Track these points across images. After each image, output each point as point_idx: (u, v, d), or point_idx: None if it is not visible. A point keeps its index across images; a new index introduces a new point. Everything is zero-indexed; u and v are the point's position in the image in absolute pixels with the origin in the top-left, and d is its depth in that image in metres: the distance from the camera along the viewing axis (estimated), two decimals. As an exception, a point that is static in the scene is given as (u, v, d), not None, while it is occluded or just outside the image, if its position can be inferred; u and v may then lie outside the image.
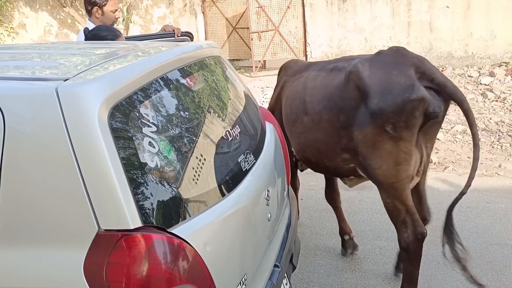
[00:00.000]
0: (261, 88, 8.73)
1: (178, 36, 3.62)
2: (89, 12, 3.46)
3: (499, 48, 7.97)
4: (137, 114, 1.46)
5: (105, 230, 1.28)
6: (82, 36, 3.22)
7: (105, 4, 3.47)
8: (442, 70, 8.17)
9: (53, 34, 10.78)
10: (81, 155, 1.29)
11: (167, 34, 3.67)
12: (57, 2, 10.35)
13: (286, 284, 2.30)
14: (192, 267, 1.37)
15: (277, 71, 10.87)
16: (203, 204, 1.55)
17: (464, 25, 8.13)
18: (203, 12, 10.92)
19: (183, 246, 1.36)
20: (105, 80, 1.43)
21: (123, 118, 1.40)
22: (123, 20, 10.43)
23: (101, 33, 2.99)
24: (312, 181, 4.91)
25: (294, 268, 2.54)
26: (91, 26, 3.37)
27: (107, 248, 1.27)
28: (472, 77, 7.64)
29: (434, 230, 3.65)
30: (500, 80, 7.27)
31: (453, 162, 5.07)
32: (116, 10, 3.61)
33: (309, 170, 5.32)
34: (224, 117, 1.98)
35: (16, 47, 2.58)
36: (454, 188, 4.45)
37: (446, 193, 4.34)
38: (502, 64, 7.86)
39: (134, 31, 10.35)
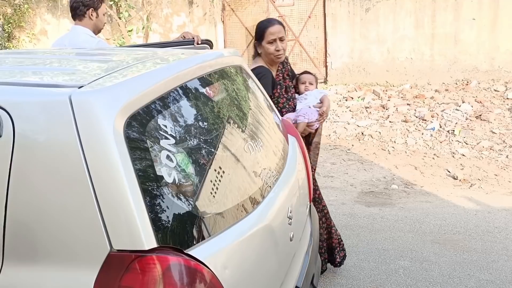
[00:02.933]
0: (280, 98, 8.64)
1: (198, 44, 3.54)
2: (80, 16, 3.27)
3: (526, 62, 7.74)
4: (155, 125, 1.36)
5: (118, 250, 1.18)
6: (80, 40, 3.10)
7: (99, 7, 3.36)
8: (467, 84, 7.97)
9: (75, 40, 10.87)
10: (94, 168, 1.19)
11: (187, 41, 3.59)
12: (79, 9, 10.44)
13: (306, 306, 2.17)
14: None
15: (297, 82, 10.57)
16: (222, 223, 1.44)
17: (491, 38, 7.92)
18: (222, 21, 10.91)
19: (200, 269, 1.25)
20: (122, 88, 1.34)
21: (140, 129, 1.30)
22: (143, 28, 10.48)
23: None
24: (332, 196, 4.78)
25: (314, 288, 2.41)
26: (84, 30, 3.22)
27: (119, 270, 1.17)
28: (498, 91, 7.42)
29: (460, 250, 3.48)
30: (528, 95, 7.03)
31: (479, 179, 4.88)
32: (104, 14, 3.51)
33: (327, 184, 5.21)
34: (245, 130, 1.88)
35: (35, 52, 2.53)
36: (481, 207, 4.26)
37: (472, 212, 4.16)
38: (530, 78, 7.63)
39: (154, 39, 10.39)
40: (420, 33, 8.41)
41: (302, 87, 3.08)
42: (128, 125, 1.26)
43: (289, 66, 3.06)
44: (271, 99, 2.62)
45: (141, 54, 2.01)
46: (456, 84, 8.07)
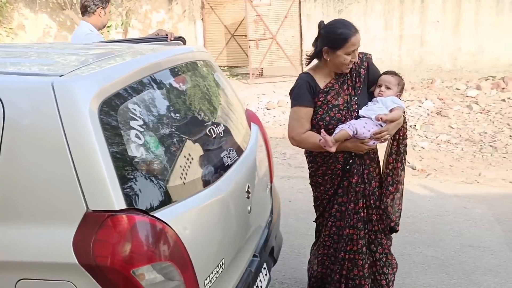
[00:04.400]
0: (257, 95, 8.90)
1: (171, 40, 3.78)
2: (90, 13, 3.60)
3: (486, 62, 8.19)
4: (126, 108, 1.61)
5: (93, 210, 1.43)
6: (83, 34, 3.39)
7: (107, 6, 3.67)
8: (432, 83, 8.38)
9: (52, 36, 10.95)
10: (73, 143, 1.44)
11: (161, 38, 3.83)
12: (57, 5, 10.52)
13: (266, 275, 2.44)
14: (171, 247, 1.51)
15: (273, 79, 11.07)
16: (184, 192, 1.69)
17: (454, 40, 8.35)
18: (202, 19, 11.13)
19: (163, 228, 1.50)
20: (97, 77, 1.59)
21: (112, 111, 1.55)
22: (122, 24, 10.62)
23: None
24: (301, 185, 5.07)
25: (274, 261, 2.68)
26: (88, 25, 3.55)
27: (95, 227, 1.42)
28: (459, 89, 7.85)
29: (411, 231, 3.82)
30: (486, 93, 7.48)
31: (435, 169, 5.25)
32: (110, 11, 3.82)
33: (298, 174, 5.51)
34: (210, 115, 2.14)
35: (16, 46, 2.74)
36: (434, 193, 4.63)
37: (426, 198, 4.51)
38: (489, 78, 8.08)
39: (132, 35, 10.54)
40: (389, 34, 8.79)
41: (376, 91, 2.49)
42: (102, 107, 1.51)
43: (362, 69, 2.49)
44: (314, 109, 2.44)
45: (117, 48, 2.25)
46: (422, 82, 8.48)
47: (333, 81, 2.48)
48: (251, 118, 2.74)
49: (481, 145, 5.91)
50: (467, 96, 7.48)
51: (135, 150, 1.56)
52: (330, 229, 2.63)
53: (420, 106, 7.09)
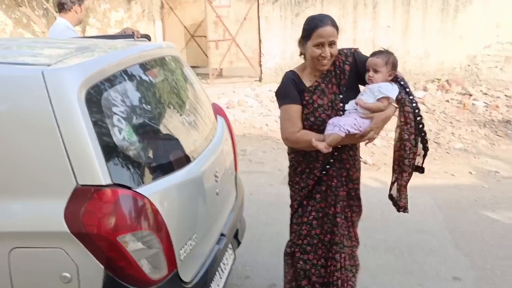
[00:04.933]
0: (217, 95, 9.09)
1: (137, 38, 3.94)
2: (66, 9, 3.72)
3: (432, 66, 8.78)
4: (109, 95, 1.79)
5: (82, 185, 1.60)
6: (59, 30, 3.49)
7: (83, 2, 3.80)
8: (383, 84, 8.89)
9: (7, 33, 10.68)
10: (63, 125, 1.60)
11: (127, 35, 3.98)
12: (13, 2, 10.29)
13: (231, 254, 2.67)
14: (151, 218, 1.70)
15: (233, 79, 11.28)
16: (162, 172, 1.89)
17: (403, 44, 8.89)
18: (161, 19, 11.19)
19: (144, 201, 1.69)
20: (82, 67, 1.76)
21: (97, 97, 1.72)
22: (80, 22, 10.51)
23: None
24: (262, 179, 5.33)
25: (239, 243, 2.91)
26: (64, 22, 3.66)
27: (84, 199, 1.59)
28: (408, 91, 8.38)
29: (363, 219, 4.14)
30: (431, 94, 8.03)
31: (385, 164, 5.65)
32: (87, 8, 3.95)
33: (258, 169, 5.76)
34: (181, 105, 2.34)
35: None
36: (384, 185, 5.01)
37: (377, 190, 4.89)
38: (434, 80, 8.67)
39: (91, 33, 10.45)
40: (343, 38, 9.21)
41: (366, 77, 2.31)
42: (88, 93, 1.68)
43: (347, 65, 2.33)
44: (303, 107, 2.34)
45: (93, 42, 2.41)
46: (374, 84, 8.98)
47: (319, 80, 2.36)
48: (217, 111, 2.95)
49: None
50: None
51: (118, 133, 1.74)
52: (304, 239, 2.50)
53: (372, 106, 7.53)
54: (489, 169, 5.60)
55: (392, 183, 2.52)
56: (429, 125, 6.91)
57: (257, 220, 4.28)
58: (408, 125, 2.29)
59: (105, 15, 10.85)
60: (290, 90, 2.37)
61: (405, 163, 2.35)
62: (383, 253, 3.66)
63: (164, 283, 1.73)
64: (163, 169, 1.90)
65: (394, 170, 2.48)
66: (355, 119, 2.23)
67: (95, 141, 1.62)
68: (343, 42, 9.14)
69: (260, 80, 10.06)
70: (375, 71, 2.26)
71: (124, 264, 1.61)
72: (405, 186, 2.47)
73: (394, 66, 2.32)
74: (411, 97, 2.31)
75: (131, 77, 2.00)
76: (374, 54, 2.33)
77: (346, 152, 2.42)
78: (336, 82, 2.36)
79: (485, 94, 8.11)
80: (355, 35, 9.15)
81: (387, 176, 5.24)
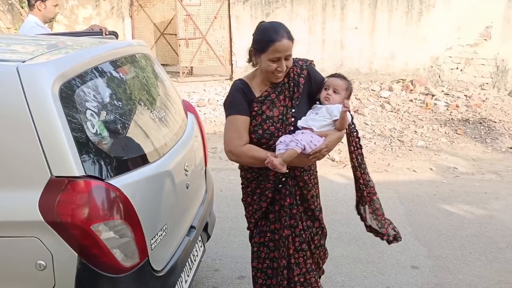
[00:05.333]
0: (188, 93, 9.13)
1: (106, 35, 3.99)
2: (31, 6, 3.76)
3: (397, 66, 9.09)
4: (82, 91, 1.86)
5: (56, 176, 1.67)
6: (27, 27, 3.52)
7: None
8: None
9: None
10: (38, 119, 1.66)
11: (96, 32, 4.03)
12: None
13: (201, 246, 2.77)
14: (123, 208, 1.78)
15: (203, 78, 11.28)
16: (133, 165, 1.97)
17: (370, 45, 9.16)
18: (130, 16, 11.11)
19: (116, 192, 1.77)
20: (56, 64, 1.82)
21: (71, 92, 1.79)
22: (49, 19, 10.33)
23: None
24: (231, 176, 5.44)
25: (208, 237, 3.00)
26: (33, 19, 3.70)
27: (58, 190, 1.66)
28: (374, 90, 8.65)
29: (329, 213, 4.31)
30: (397, 94, 8.33)
31: (352, 161, 5.87)
32: (56, 5, 3.95)
33: (228, 166, 5.86)
34: (151, 102, 2.42)
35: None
36: (350, 181, 5.20)
37: (343, 185, 5.07)
38: (399, 80, 8.98)
39: (58, 30, 10.29)
40: (313, 39, 9.42)
41: (323, 94, 2.24)
42: (62, 89, 1.75)
43: (301, 78, 2.24)
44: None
45: (64, 40, 2.46)
46: (342, 84, 9.22)
47: (270, 90, 2.23)
48: (188, 108, 3.04)
49: (391, 140, 6.64)
50: (380, 97, 8.29)
51: (91, 127, 1.81)
52: (264, 262, 2.40)
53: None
54: (448, 165, 5.89)
55: (361, 204, 2.49)
56: (393, 124, 7.18)
57: (227, 215, 4.39)
58: (359, 149, 2.39)
59: (72, 11, 10.70)
60: (237, 100, 2.22)
61: (371, 186, 2.46)
62: (347, 244, 3.84)
63: (136, 270, 1.82)
64: (134, 162, 1.98)
65: (362, 197, 2.45)
66: (312, 136, 2.13)
67: (68, 135, 1.69)
68: (312, 42, 9.36)
69: (231, 78, 10.15)
70: (335, 91, 2.21)
71: (97, 252, 1.68)
72: (379, 209, 2.47)
73: (350, 94, 2.30)
74: (353, 125, 2.33)
75: (102, 74, 2.07)
76: (336, 75, 2.30)
77: (299, 168, 2.27)
78: (288, 94, 2.24)
79: (447, 94, 8.46)
80: (324, 36, 9.36)
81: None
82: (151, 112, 2.33)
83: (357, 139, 2.38)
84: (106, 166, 1.83)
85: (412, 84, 8.72)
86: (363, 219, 2.55)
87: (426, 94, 8.36)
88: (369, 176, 2.48)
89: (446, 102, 7.95)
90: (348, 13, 9.17)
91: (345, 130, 2.23)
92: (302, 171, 2.30)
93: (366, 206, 2.48)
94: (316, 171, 2.45)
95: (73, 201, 1.66)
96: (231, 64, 10.25)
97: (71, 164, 1.67)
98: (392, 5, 8.99)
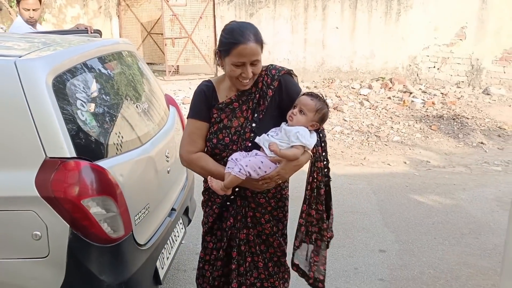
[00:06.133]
0: (174, 91, 9.34)
1: (91, 33, 4.22)
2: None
3: (377, 65, 9.41)
4: (72, 84, 2.09)
5: (50, 157, 1.89)
6: (16, 26, 3.76)
7: (19, 1, 4.08)
8: (332, 82, 9.43)
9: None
10: (34, 107, 1.89)
11: (81, 31, 4.26)
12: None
13: (182, 228, 3.00)
14: (109, 186, 2.01)
15: (189, 76, 11.52)
16: (119, 149, 2.21)
17: (350, 45, 9.47)
18: (118, 16, 11.29)
19: (103, 172, 2.00)
20: (49, 59, 2.05)
21: (63, 84, 2.02)
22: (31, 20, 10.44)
23: None
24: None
25: (189, 221, 3.24)
26: (20, 18, 3.95)
27: (52, 170, 1.88)
28: (354, 88, 8.96)
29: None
30: (376, 91, 8.65)
31: (329, 155, 6.14)
32: (28, 10, 4.18)
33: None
34: (136, 94, 2.66)
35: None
36: (333, 176, 5.48)
37: (320, 178, 5.36)
38: (379, 79, 9.31)
39: (46, 29, 10.41)
40: (295, 38, 9.71)
41: (289, 113, 2.01)
42: (55, 81, 1.98)
43: (270, 89, 2.03)
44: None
45: (54, 38, 2.68)
46: (324, 82, 9.51)
47: (234, 97, 2.04)
48: (169, 101, 3.28)
49: (368, 135, 6.95)
50: (360, 94, 8.60)
51: (81, 115, 2.04)
52: (208, 283, 2.21)
53: (320, 102, 8.05)
54: (422, 159, 6.20)
55: (297, 247, 2.20)
56: (371, 120, 7.49)
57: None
58: (321, 183, 2.10)
59: (61, 10, 10.83)
60: (197, 103, 2.07)
61: (318, 225, 2.17)
62: (321, 231, 4.10)
63: (121, 242, 2.05)
64: (120, 147, 2.22)
65: (303, 233, 2.18)
66: (261, 162, 1.92)
67: (61, 121, 1.92)
68: (295, 41, 9.64)
69: (215, 77, 10.39)
70: (301, 111, 1.97)
71: (87, 224, 1.92)
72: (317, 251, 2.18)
73: (323, 119, 2.03)
74: (324, 153, 2.09)
75: (91, 68, 2.31)
76: (309, 94, 2.04)
77: (251, 189, 2.04)
78: (252, 106, 2.03)
79: (424, 92, 8.80)
80: (306, 35, 9.65)
81: (330, 165, 5.76)
82: (135, 104, 2.56)
83: (325, 170, 2.11)
84: (94, 149, 2.06)
85: (391, 82, 9.05)
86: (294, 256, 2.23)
87: (404, 92, 8.69)
88: (323, 219, 2.16)
89: (423, 100, 8.29)
90: (329, 14, 9.46)
91: (306, 158, 1.98)
92: (256, 193, 2.07)
93: (310, 246, 2.19)
94: (286, 196, 2.21)
95: (65, 179, 1.89)
96: (216, 64, 10.46)
97: (63, 146, 1.90)
98: (372, 6, 9.31)
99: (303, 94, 2.04)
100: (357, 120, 7.44)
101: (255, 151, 1.98)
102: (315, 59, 9.59)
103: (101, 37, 4.31)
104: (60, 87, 2.00)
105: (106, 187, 2.00)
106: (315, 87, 9.22)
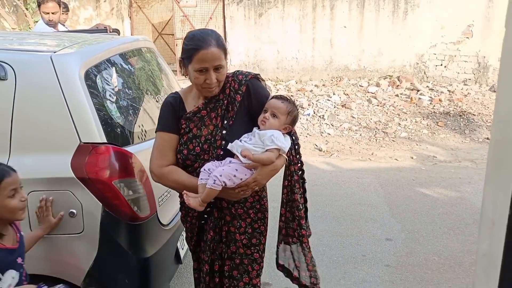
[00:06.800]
0: (184, 90, 9.57)
1: (110, 32, 4.45)
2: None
3: (384, 63, 9.54)
4: (101, 76, 2.29)
5: (84, 142, 2.09)
6: (38, 27, 4.00)
7: (40, 5, 4.34)
8: (340, 80, 9.58)
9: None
10: (69, 97, 2.09)
11: (101, 30, 4.49)
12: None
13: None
14: (137, 169, 2.20)
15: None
16: (143, 137, 2.40)
17: (358, 43, 9.62)
18: (130, 17, 11.53)
19: (131, 156, 2.19)
20: (81, 53, 2.26)
21: (93, 77, 2.22)
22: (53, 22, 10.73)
23: None
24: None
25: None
26: (41, 21, 4.21)
27: (85, 154, 2.08)
28: (362, 86, 9.11)
29: (314, 195, 4.76)
30: (383, 89, 8.79)
31: (338, 150, 6.31)
32: (48, 13, 4.43)
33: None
34: (155, 86, 2.86)
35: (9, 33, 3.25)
36: (335, 168, 5.65)
37: (328, 172, 5.52)
38: (387, 77, 9.44)
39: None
40: (304, 37, 9.87)
41: (260, 118, 2.00)
42: (86, 74, 2.18)
43: (238, 94, 2.01)
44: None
45: (80, 36, 2.89)
46: (332, 80, 9.67)
47: (201, 106, 2.01)
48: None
49: (375, 131, 7.10)
50: (368, 92, 8.74)
51: (109, 104, 2.24)
52: None
53: (329, 100, 8.21)
54: (428, 154, 6.34)
55: (285, 242, 2.21)
56: (379, 117, 7.64)
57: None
58: (296, 186, 2.10)
59: (74, 12, 11.09)
60: (164, 116, 2.05)
61: (297, 230, 2.15)
62: (329, 221, 4.27)
63: (148, 220, 2.24)
64: (142, 135, 2.42)
65: (284, 235, 2.20)
66: (236, 169, 1.87)
67: (93, 110, 2.12)
68: (303, 40, 9.81)
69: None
70: (274, 115, 1.96)
71: (117, 203, 2.11)
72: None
73: (294, 120, 2.03)
74: (298, 156, 2.09)
75: (116, 63, 2.51)
76: (278, 96, 2.04)
77: (227, 200, 2.00)
78: (221, 113, 1.99)
79: (431, 89, 8.92)
80: (314, 35, 9.81)
81: (338, 161, 5.94)
82: (156, 95, 2.76)
83: (299, 173, 2.11)
84: (121, 136, 2.26)
85: (398, 80, 9.17)
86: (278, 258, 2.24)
87: (412, 90, 8.81)
88: (303, 220, 2.17)
89: (430, 97, 8.41)
90: (337, 13, 9.62)
91: (282, 161, 1.98)
92: (231, 203, 2.02)
93: (294, 246, 2.20)
94: (265, 206, 2.14)
95: (97, 162, 2.09)
96: (226, 63, 10.67)
97: (95, 133, 2.10)
98: (379, 5, 9.45)
99: (272, 98, 2.03)
100: (365, 117, 7.59)
101: (228, 158, 1.93)
102: (324, 57, 9.75)
103: (119, 35, 4.54)
104: (90, 79, 2.20)
105: (134, 170, 2.19)
106: (323, 85, 9.38)
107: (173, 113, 2.03)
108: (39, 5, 4.57)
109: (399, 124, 7.35)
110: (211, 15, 10.64)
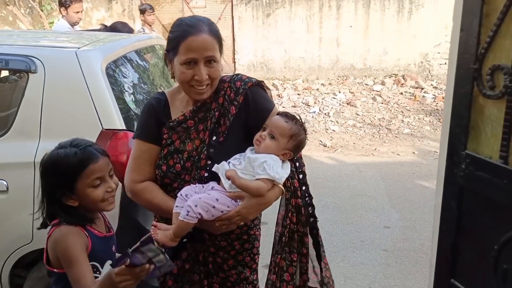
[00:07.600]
0: (193, 89, 9.84)
1: (125, 30, 4.73)
2: (59, 9, 4.53)
3: (390, 62, 9.74)
4: (120, 70, 2.54)
5: (105, 129, 2.34)
6: (57, 27, 4.28)
7: (69, 6, 4.57)
8: (346, 79, 9.79)
9: (-8, 29, 11.13)
10: (92, 88, 2.34)
11: (105, 29, 4.79)
12: (1, 1, 10.77)
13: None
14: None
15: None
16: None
17: (364, 43, 9.82)
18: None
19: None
20: (101, 49, 2.51)
21: (113, 71, 2.48)
22: (58, 20, 11.07)
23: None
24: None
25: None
26: (62, 22, 4.45)
27: (107, 139, 2.33)
28: (368, 85, 9.31)
29: (318, 187, 4.98)
30: (388, 87, 8.98)
31: (342, 146, 6.53)
32: (79, 12, 4.69)
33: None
34: (167, 82, 3.11)
35: (35, 32, 3.53)
36: (338, 163, 5.87)
37: (332, 166, 5.75)
38: (392, 75, 9.63)
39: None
40: (310, 37, 10.09)
41: (256, 136, 1.63)
42: (107, 68, 2.43)
43: (234, 105, 1.64)
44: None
45: (100, 34, 3.16)
46: (338, 79, 9.88)
47: (189, 114, 1.66)
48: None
49: (379, 128, 7.30)
50: (373, 90, 8.94)
51: (128, 95, 2.50)
52: None
53: (334, 98, 8.43)
54: (430, 149, 6.53)
55: None
56: (383, 114, 7.84)
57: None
58: (299, 228, 1.67)
59: (87, 14, 11.42)
60: (145, 120, 1.72)
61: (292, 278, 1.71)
62: (331, 211, 4.50)
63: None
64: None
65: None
66: (216, 199, 1.52)
67: (113, 100, 2.37)
68: (310, 40, 10.03)
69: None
70: (272, 136, 1.59)
71: (134, 183, 2.36)
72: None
73: (298, 147, 1.65)
74: (304, 188, 1.69)
75: (132, 59, 2.77)
76: (282, 114, 1.66)
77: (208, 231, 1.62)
78: (211, 126, 1.63)
79: (435, 88, 9.09)
80: (321, 34, 10.03)
81: (342, 156, 6.16)
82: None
83: (309, 209, 1.71)
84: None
85: (403, 78, 9.36)
86: None
87: (416, 88, 9.00)
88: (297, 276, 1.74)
89: (434, 95, 8.58)
90: (343, 13, 9.83)
91: (276, 194, 1.58)
92: (215, 235, 1.65)
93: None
94: (255, 236, 1.77)
95: (117, 146, 2.34)
96: (234, 62, 10.94)
97: (116, 120, 2.35)
98: (384, 5, 9.64)
99: (277, 114, 1.66)
100: (369, 114, 7.79)
101: (212, 183, 1.58)
102: (330, 57, 9.96)
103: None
104: (111, 73, 2.45)
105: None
106: (329, 84, 9.60)
107: (154, 119, 1.69)
108: (63, 5, 4.77)
109: (402, 121, 7.53)
110: (220, 15, 10.90)
